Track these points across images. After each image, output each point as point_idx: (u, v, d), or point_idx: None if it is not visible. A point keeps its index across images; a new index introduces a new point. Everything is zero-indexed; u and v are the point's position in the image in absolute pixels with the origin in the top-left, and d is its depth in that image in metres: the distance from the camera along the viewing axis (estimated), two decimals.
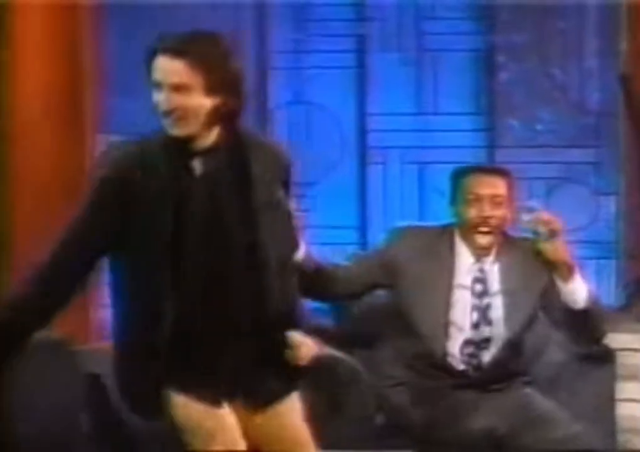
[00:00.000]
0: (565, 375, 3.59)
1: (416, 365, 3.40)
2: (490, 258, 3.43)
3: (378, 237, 4.62)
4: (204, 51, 2.56)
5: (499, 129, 4.82)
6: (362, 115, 4.84)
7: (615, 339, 3.86)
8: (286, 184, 2.70)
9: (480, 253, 3.40)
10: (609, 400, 3.70)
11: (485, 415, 3.27)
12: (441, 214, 4.74)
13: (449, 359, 3.37)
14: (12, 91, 4.05)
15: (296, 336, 2.85)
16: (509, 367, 3.40)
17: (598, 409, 3.63)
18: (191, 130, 2.59)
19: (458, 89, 4.86)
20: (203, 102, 2.58)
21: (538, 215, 3.34)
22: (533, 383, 3.51)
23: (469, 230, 3.38)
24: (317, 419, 2.99)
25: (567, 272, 3.31)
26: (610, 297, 4.72)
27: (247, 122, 4.65)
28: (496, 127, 4.82)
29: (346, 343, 3.60)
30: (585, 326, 3.35)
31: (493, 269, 3.43)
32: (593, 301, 3.35)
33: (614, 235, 4.75)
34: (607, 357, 3.74)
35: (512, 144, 4.80)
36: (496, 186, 3.41)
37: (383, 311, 3.57)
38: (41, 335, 3.25)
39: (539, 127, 4.83)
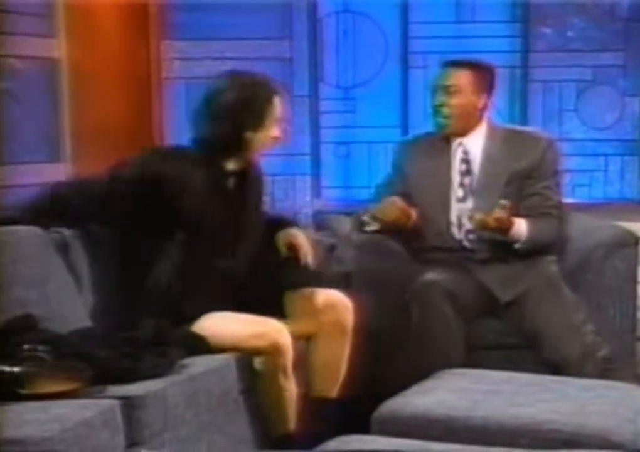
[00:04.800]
0: (592, 258, 3.62)
1: (430, 252, 3.50)
2: (477, 142, 3.54)
3: None
4: None
5: (532, 36, 4.79)
6: (404, 23, 4.84)
7: (637, 228, 3.91)
8: None
9: (450, 136, 3.52)
10: (631, 282, 3.74)
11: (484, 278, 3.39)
12: None
13: (454, 241, 3.48)
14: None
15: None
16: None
17: (621, 289, 3.67)
18: None
19: None
20: None
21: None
22: (560, 262, 3.56)
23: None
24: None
25: (504, 232, 3.39)
26: (634, 190, 4.76)
27: (300, 29, 4.78)
28: (529, 33, 4.79)
29: None
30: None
31: (476, 152, 3.52)
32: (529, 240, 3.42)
33: (639, 134, 4.76)
34: (631, 243, 3.78)
35: (544, 49, 4.78)
36: (450, 78, 3.51)
37: None
38: None
39: (570, 33, 4.81)
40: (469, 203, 3.51)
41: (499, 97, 4.71)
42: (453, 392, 2.62)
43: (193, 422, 2.66)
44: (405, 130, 4.78)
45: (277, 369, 2.81)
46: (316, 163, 4.88)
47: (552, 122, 4.78)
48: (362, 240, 3.55)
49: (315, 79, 4.81)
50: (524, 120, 4.72)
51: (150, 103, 4.59)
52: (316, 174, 4.88)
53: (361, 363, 3.08)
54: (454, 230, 3.53)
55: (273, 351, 2.79)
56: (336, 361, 3.03)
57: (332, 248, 3.57)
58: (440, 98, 3.52)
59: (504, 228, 3.36)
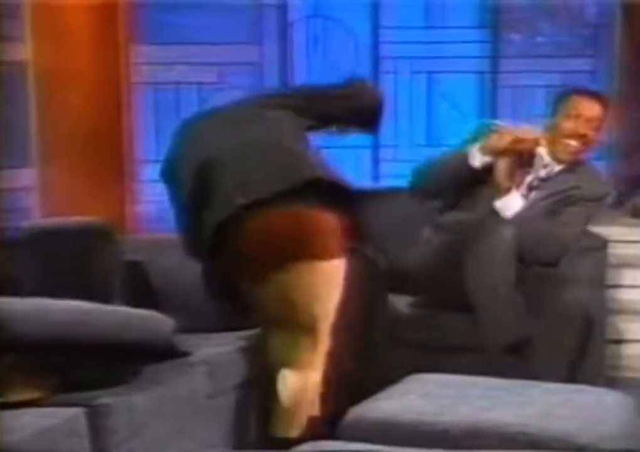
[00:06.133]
0: (562, 262, 3.62)
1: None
2: (559, 169, 3.53)
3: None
4: None
5: (502, 41, 4.82)
6: (375, 28, 4.85)
7: (608, 232, 3.94)
8: None
9: (561, 160, 3.51)
10: (599, 286, 3.76)
11: None
12: (446, 118, 4.81)
13: None
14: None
15: None
16: None
17: (589, 293, 3.67)
18: None
19: (465, 4, 4.85)
20: None
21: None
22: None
23: (560, 139, 3.48)
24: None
25: (501, 191, 3.39)
26: None
27: (269, 34, 4.78)
28: (499, 39, 4.82)
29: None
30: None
31: (553, 176, 3.53)
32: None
33: (607, 137, 4.79)
34: (600, 247, 3.80)
35: (514, 54, 4.81)
36: (597, 110, 3.50)
37: None
38: (89, 220, 3.36)
39: (539, 38, 4.84)
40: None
41: (469, 103, 4.74)
42: (420, 397, 2.62)
43: (161, 428, 2.65)
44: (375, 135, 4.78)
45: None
46: None
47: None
48: None
49: (285, 84, 4.81)
50: None
51: (120, 109, 4.57)
52: None
53: None
54: None
55: None
56: None
57: None
58: (579, 128, 3.50)
59: (504, 184, 3.40)
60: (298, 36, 4.84)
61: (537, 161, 3.56)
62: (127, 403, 2.51)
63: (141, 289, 3.35)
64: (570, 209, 3.51)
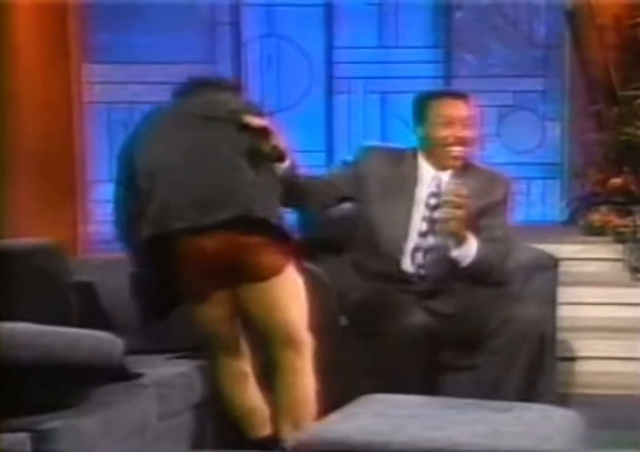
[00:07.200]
0: (512, 281, 3.63)
1: (373, 277, 3.42)
2: (448, 176, 3.43)
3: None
4: None
5: (455, 61, 4.86)
6: (328, 48, 4.87)
7: (560, 250, 3.96)
8: None
9: (446, 168, 3.39)
10: (550, 304, 3.78)
11: (425, 312, 3.31)
12: (401, 138, 4.83)
13: (403, 271, 3.40)
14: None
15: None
16: (450, 274, 3.42)
17: (541, 310, 3.69)
18: None
19: (417, 24, 4.89)
20: None
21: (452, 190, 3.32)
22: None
23: (439, 148, 3.36)
24: None
25: (459, 242, 3.34)
26: (556, 213, 4.83)
27: (223, 53, 4.78)
28: (452, 59, 4.86)
29: (311, 252, 3.63)
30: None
31: (448, 187, 3.43)
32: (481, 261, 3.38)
33: (559, 157, 4.84)
34: (551, 265, 3.82)
35: (467, 74, 4.85)
36: (465, 109, 3.39)
37: (347, 221, 3.59)
38: (38, 241, 3.32)
39: (491, 59, 4.89)
40: (430, 240, 3.37)
41: None
42: (372, 418, 2.60)
43: (110, 451, 2.61)
44: (330, 154, 4.80)
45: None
46: None
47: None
48: None
49: None
50: None
51: (72, 128, 4.53)
52: None
53: None
54: (407, 262, 3.38)
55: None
56: None
57: None
58: (456, 132, 3.33)
59: (461, 235, 3.27)
60: (252, 56, 4.86)
61: (424, 176, 3.45)
62: (74, 426, 2.46)
63: (91, 310, 3.31)
64: (487, 223, 3.43)
